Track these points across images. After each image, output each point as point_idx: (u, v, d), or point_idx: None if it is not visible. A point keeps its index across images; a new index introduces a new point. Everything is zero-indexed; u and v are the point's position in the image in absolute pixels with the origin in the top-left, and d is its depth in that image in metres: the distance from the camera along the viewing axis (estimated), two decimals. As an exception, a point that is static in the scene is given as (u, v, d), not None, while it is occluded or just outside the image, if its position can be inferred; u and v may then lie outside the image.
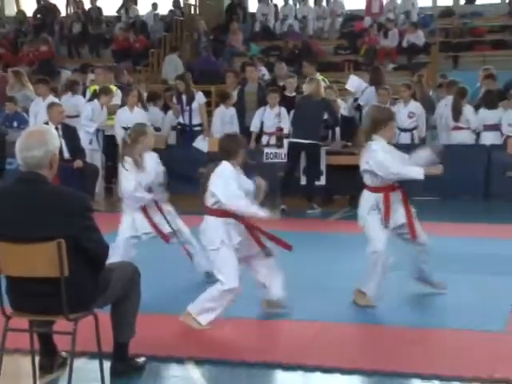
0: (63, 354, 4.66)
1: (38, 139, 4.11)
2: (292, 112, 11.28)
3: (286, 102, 11.80)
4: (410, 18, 19.25)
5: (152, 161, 6.77)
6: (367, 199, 6.10)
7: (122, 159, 6.68)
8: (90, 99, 12.31)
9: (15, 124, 12.69)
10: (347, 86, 12.40)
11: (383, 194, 6.02)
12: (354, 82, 12.60)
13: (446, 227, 9.12)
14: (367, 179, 6.12)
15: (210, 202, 5.54)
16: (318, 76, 11.86)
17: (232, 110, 12.51)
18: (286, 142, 11.37)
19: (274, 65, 15.51)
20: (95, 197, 11.18)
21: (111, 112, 11.96)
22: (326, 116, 10.94)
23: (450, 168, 11.33)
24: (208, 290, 5.48)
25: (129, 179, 6.58)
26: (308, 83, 10.94)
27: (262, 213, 5.43)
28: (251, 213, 5.46)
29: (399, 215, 6.09)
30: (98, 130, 11.81)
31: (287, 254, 7.81)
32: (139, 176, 6.58)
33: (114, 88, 12.43)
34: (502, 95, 12.03)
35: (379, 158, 5.97)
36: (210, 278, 6.14)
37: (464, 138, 11.99)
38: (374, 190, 6.07)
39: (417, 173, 5.98)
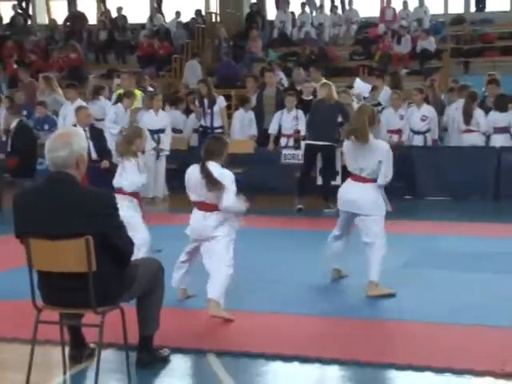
0: (91, 345, 4.68)
1: (64, 141, 4.13)
2: (307, 115, 11.25)
3: (303, 106, 11.78)
4: (423, 25, 19.18)
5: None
6: None
7: (122, 157, 6.75)
8: (115, 103, 12.34)
9: (46, 127, 12.76)
10: (354, 90, 12.34)
11: None
12: (360, 85, 12.54)
13: (456, 227, 9.06)
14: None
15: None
16: (324, 80, 11.81)
17: (251, 114, 12.52)
18: (302, 143, 11.35)
19: (291, 70, 15.49)
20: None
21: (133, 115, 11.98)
22: (340, 119, 10.90)
23: (461, 169, 11.45)
24: (219, 274, 5.51)
25: (138, 173, 6.68)
26: (321, 88, 10.93)
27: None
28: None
29: None
30: (121, 132, 11.79)
31: (304, 251, 7.82)
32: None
33: (138, 92, 12.47)
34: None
35: None
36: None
37: (474, 140, 11.92)
38: None
39: None
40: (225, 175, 5.63)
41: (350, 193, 6.29)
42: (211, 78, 14.37)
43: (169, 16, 21.44)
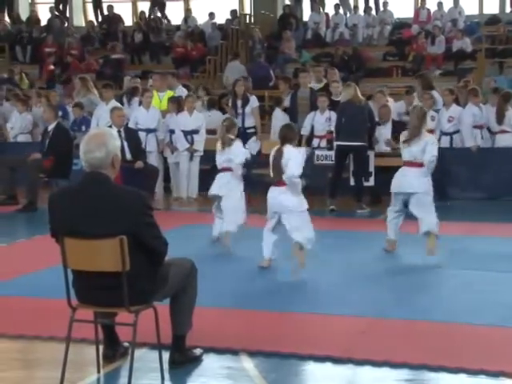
0: (125, 344, 4.69)
1: (98, 141, 4.14)
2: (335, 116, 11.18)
3: (334, 106, 11.72)
4: (457, 25, 18.98)
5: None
6: None
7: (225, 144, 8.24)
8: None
9: (83, 128, 12.85)
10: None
11: None
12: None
13: (489, 227, 8.95)
14: None
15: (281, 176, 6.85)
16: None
17: (285, 115, 12.48)
18: (334, 144, 11.29)
19: (326, 71, 15.46)
20: (155, 196, 11.29)
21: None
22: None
23: (495, 170, 11.30)
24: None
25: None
26: (346, 88, 10.88)
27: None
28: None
29: None
30: (147, 133, 11.83)
31: (337, 252, 7.79)
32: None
33: (170, 93, 12.55)
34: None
35: None
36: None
37: (508, 140, 11.76)
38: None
39: None
40: (295, 154, 6.82)
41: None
42: (249, 78, 14.38)
43: (203, 17, 21.51)
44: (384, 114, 11.43)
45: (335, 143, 11.02)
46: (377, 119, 11.42)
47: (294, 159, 6.79)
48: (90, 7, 23.30)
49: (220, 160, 8.27)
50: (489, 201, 11.11)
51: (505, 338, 5.07)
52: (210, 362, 4.73)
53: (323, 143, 11.73)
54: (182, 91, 13.03)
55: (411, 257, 7.51)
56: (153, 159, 11.69)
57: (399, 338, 5.08)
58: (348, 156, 10.84)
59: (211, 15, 20.82)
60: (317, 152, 11.66)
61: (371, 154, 10.96)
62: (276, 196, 6.91)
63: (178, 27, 21.34)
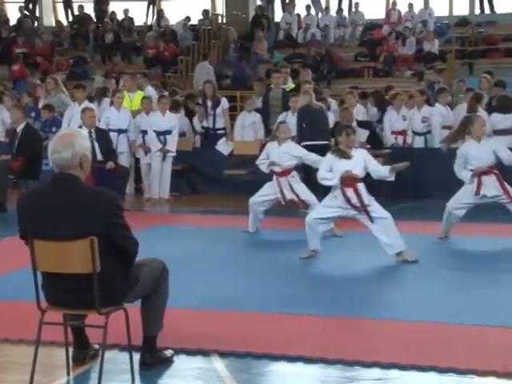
0: (95, 346, 4.66)
1: (66, 142, 4.12)
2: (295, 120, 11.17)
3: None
4: (428, 26, 19.14)
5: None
6: None
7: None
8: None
9: (54, 129, 12.73)
10: None
11: None
12: None
13: (460, 227, 8.99)
14: None
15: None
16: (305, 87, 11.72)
17: (256, 116, 12.47)
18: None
19: (297, 72, 15.49)
20: (126, 196, 11.24)
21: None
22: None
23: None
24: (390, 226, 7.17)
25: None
26: (303, 95, 10.95)
27: None
28: None
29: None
30: (119, 133, 11.77)
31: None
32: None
33: (141, 93, 12.52)
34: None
35: None
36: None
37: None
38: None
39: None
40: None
41: None
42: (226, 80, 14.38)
43: (174, 18, 21.46)
44: (346, 116, 11.42)
45: (302, 144, 11.00)
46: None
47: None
48: (60, 7, 23.13)
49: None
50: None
51: (474, 337, 5.11)
52: (181, 363, 4.71)
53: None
54: (150, 92, 13.00)
55: (385, 256, 7.55)
56: (124, 160, 11.63)
57: (370, 338, 5.10)
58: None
59: (187, 19, 20.77)
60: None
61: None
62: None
63: (149, 27, 21.28)
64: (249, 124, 12.42)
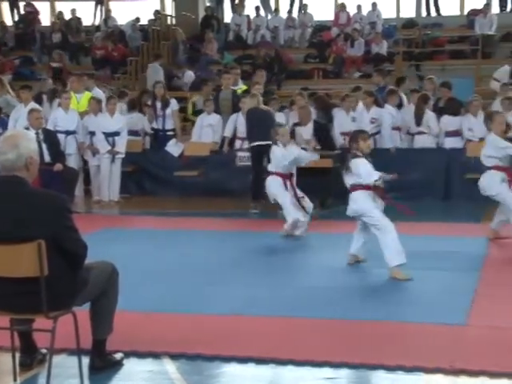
0: (43, 350, 4.60)
1: (11, 143, 4.08)
2: (244, 121, 11.20)
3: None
4: (376, 28, 19.36)
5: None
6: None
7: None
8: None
9: (0, 130, 12.49)
10: None
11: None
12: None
13: (406, 226, 9.10)
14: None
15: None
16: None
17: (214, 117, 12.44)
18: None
19: (247, 73, 15.51)
20: (74, 199, 11.11)
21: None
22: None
23: (413, 170, 11.55)
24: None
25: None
26: (250, 98, 11.03)
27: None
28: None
29: None
30: (67, 135, 11.62)
31: (263, 253, 7.81)
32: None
33: (88, 95, 12.41)
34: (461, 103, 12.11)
35: None
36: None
37: (426, 141, 12.06)
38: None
39: None
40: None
41: None
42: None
43: (123, 18, 21.30)
44: (303, 115, 11.51)
45: (250, 145, 11.03)
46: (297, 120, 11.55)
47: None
48: (5, 6, 22.77)
49: None
50: (407, 201, 11.31)
51: (420, 334, 5.18)
52: (131, 366, 4.68)
53: (245, 144, 11.75)
54: (98, 93, 12.89)
55: (330, 256, 7.61)
56: (72, 161, 11.50)
57: (321, 337, 5.14)
58: (264, 156, 10.75)
59: (136, 19, 20.63)
60: (239, 154, 11.70)
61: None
62: None
63: (97, 28, 21.08)
64: (207, 125, 12.39)
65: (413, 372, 4.50)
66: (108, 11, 21.71)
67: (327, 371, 4.57)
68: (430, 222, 9.58)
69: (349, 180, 7.07)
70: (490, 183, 8.18)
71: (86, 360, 4.46)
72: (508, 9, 19.95)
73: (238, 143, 12.00)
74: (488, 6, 18.89)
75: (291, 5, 21.24)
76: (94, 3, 22.26)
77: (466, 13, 19.95)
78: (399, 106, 12.49)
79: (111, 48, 19.19)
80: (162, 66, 17.60)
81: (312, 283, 6.68)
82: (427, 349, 4.85)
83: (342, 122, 12.03)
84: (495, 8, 19.65)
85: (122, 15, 21.59)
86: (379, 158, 11.47)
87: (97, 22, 21.98)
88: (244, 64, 17.86)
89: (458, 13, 20.45)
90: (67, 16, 21.44)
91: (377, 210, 6.95)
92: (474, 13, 19.20)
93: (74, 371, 4.35)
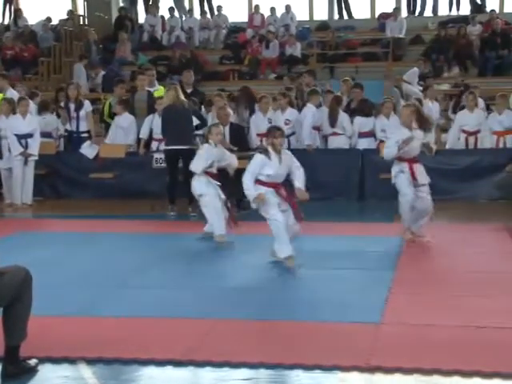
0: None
1: None
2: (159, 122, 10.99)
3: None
4: (289, 30, 19.56)
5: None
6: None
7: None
8: None
9: None
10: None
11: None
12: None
13: (321, 226, 9.24)
14: None
15: None
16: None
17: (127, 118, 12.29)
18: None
19: (162, 74, 15.40)
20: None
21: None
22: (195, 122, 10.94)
23: (327, 171, 11.73)
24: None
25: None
26: (167, 93, 10.76)
27: None
28: None
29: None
30: None
31: (180, 256, 7.77)
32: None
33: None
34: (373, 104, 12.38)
35: None
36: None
37: (340, 143, 12.26)
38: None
39: None
40: None
41: None
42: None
43: (33, 18, 20.88)
44: (222, 116, 11.50)
45: (164, 148, 10.90)
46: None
47: None
48: None
49: None
50: (322, 201, 11.49)
51: (336, 333, 5.25)
52: (46, 372, 4.59)
53: (162, 146, 11.65)
54: (12, 94, 12.58)
55: (248, 257, 7.64)
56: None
57: (239, 339, 5.15)
58: (179, 159, 10.56)
59: (48, 19, 20.21)
60: (155, 155, 11.59)
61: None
62: None
63: (6, 27, 20.57)
64: (121, 127, 12.24)
65: (330, 370, 4.55)
66: (18, 10, 21.19)
67: (245, 372, 4.59)
68: (344, 221, 9.74)
69: None
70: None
71: (-2, 368, 4.35)
72: (416, 13, 20.51)
73: (154, 145, 11.90)
74: (398, 9, 19.36)
75: (201, 5, 21.20)
76: (2, 2, 21.71)
77: (376, 16, 20.41)
78: (319, 106, 12.64)
79: (20, 48, 18.78)
80: (85, 67, 17.35)
81: (230, 284, 6.70)
82: (343, 347, 4.92)
83: (259, 123, 12.09)
84: (404, 12, 20.16)
85: (33, 15, 21.17)
86: (297, 158, 11.79)
87: (6, 22, 21.45)
88: (159, 65, 17.77)
89: (369, 16, 20.88)
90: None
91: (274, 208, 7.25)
92: (384, 16, 19.67)
93: (-14, 379, 4.25)
